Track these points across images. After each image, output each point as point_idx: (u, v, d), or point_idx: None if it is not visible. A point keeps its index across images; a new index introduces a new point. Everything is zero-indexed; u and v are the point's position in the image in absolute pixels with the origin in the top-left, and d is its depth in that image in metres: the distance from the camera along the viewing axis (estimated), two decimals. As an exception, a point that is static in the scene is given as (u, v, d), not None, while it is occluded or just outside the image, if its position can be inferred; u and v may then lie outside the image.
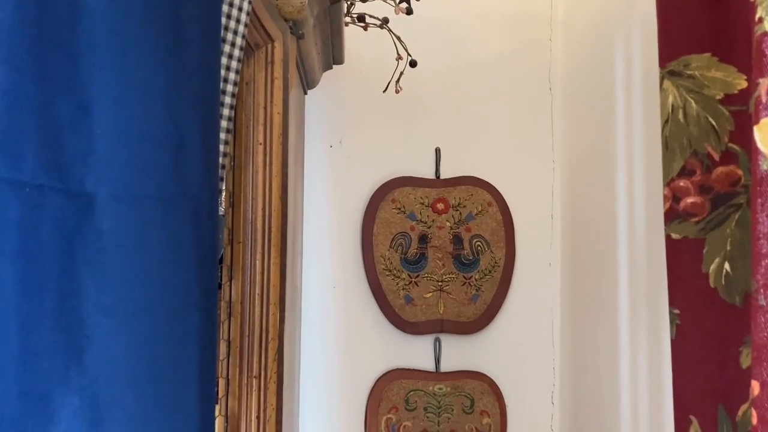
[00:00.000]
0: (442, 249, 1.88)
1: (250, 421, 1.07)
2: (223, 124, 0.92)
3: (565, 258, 1.92)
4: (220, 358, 1.04)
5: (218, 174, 0.82)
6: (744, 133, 0.79)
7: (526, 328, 1.93)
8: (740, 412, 0.77)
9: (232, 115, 0.95)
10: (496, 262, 1.90)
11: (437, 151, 1.92)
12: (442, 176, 1.91)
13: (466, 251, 1.89)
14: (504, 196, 1.92)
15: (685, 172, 0.83)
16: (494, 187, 1.91)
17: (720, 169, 0.81)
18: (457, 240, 1.89)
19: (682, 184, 0.83)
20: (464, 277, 1.89)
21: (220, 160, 0.89)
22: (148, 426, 0.69)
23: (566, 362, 1.89)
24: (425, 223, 1.88)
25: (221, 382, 1.05)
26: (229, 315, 1.06)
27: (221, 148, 0.91)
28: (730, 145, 0.81)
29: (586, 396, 1.76)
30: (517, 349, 1.92)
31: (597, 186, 1.71)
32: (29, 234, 0.57)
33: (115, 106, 0.66)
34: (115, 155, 0.66)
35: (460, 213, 1.89)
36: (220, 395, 1.04)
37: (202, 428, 0.75)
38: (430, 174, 1.92)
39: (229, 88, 0.93)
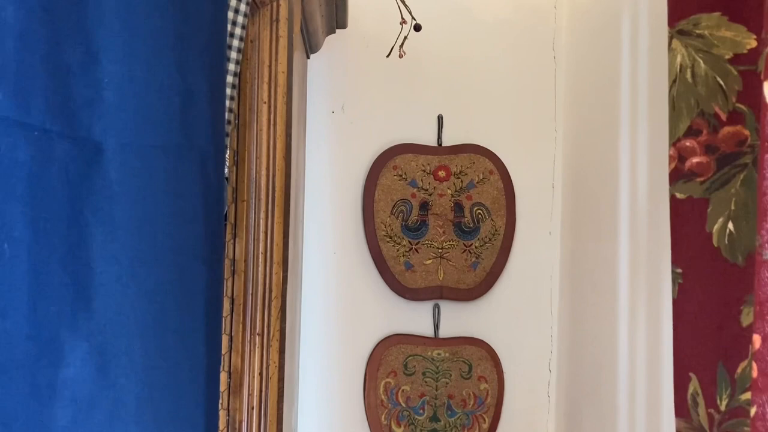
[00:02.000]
0: (442, 216, 1.89)
1: (253, 378, 1.08)
2: (229, 79, 0.92)
3: (566, 227, 1.92)
4: (224, 315, 1.04)
5: (224, 127, 0.82)
6: (752, 93, 0.79)
7: (525, 295, 1.94)
8: (739, 369, 0.78)
9: (238, 71, 0.95)
10: (496, 230, 1.90)
11: (440, 118, 1.91)
12: (444, 143, 1.91)
13: (466, 219, 1.89)
14: (506, 164, 1.91)
15: (691, 132, 0.83)
16: (496, 155, 1.91)
17: (726, 129, 0.81)
18: (457, 207, 1.89)
19: (688, 144, 0.83)
20: (464, 244, 1.89)
21: (226, 115, 0.88)
22: (155, 374, 0.69)
23: (564, 330, 1.91)
24: (426, 190, 1.88)
25: (224, 339, 1.06)
26: (233, 273, 1.07)
27: (227, 103, 0.90)
28: (738, 105, 0.81)
29: (583, 363, 1.78)
30: (515, 317, 1.94)
31: (599, 155, 1.70)
32: (38, 177, 0.57)
33: (123, 54, 0.66)
34: (122, 104, 0.66)
35: (462, 181, 1.89)
36: (223, 351, 1.05)
37: (208, 380, 0.75)
38: (432, 141, 1.91)
39: (235, 43, 0.93)
